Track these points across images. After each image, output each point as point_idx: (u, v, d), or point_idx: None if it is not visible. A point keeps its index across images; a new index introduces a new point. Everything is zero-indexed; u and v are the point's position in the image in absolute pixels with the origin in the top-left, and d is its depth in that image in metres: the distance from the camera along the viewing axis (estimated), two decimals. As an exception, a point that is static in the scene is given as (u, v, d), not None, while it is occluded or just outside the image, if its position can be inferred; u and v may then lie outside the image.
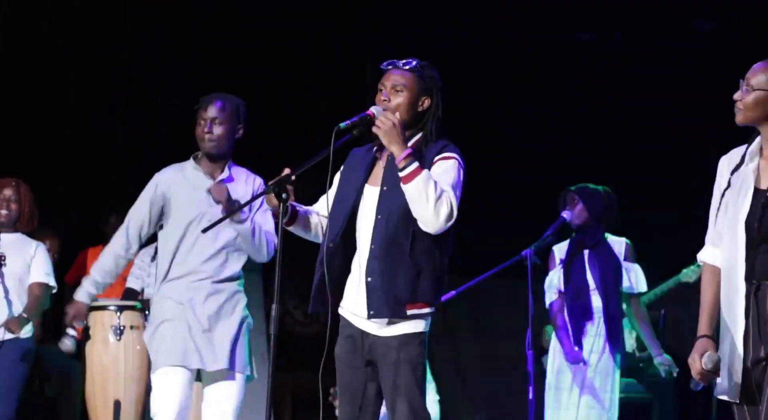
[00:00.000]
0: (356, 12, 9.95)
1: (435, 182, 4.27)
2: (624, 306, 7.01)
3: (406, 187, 4.27)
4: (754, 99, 3.77)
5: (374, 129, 4.34)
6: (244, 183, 5.55)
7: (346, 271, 4.49)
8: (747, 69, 3.84)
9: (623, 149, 9.56)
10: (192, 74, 9.36)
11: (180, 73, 9.38)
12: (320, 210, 4.61)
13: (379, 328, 4.37)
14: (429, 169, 4.34)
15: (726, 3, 8.83)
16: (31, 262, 6.56)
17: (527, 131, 9.98)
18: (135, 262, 7.34)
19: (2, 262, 6.40)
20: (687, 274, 7.46)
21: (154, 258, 6.98)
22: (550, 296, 7.01)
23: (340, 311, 4.49)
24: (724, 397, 3.80)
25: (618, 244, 7.00)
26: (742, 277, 3.76)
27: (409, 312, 4.33)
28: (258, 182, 5.59)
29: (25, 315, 6.42)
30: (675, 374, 6.92)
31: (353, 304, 4.44)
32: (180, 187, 5.51)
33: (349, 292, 4.46)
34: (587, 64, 9.54)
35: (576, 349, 6.77)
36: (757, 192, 3.76)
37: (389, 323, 4.35)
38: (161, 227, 5.56)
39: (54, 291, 6.64)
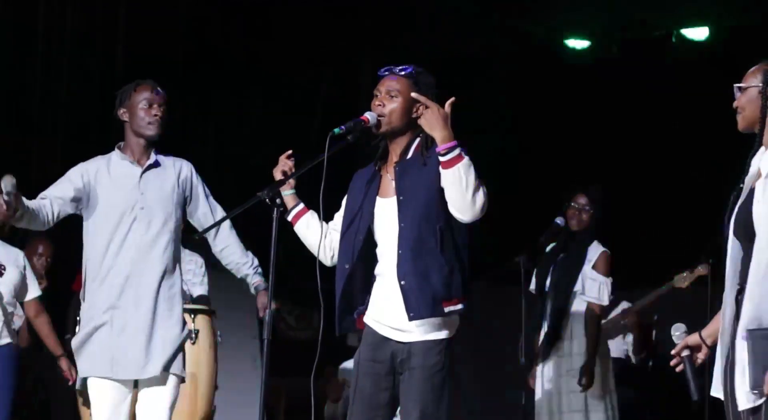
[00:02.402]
0: (352, 19, 9.95)
1: (475, 171, 4.28)
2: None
3: (446, 173, 4.26)
4: (747, 98, 3.79)
5: (418, 113, 4.37)
6: (172, 167, 5.37)
7: (364, 287, 4.49)
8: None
9: (619, 154, 9.58)
10: (185, 81, 9.37)
11: (173, 79, 9.38)
12: (335, 227, 4.61)
13: (402, 334, 4.38)
14: (438, 175, 4.33)
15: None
16: (24, 272, 6.59)
17: (522, 138, 10.00)
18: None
19: (2, 272, 6.43)
20: (680, 280, 7.46)
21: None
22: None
23: (365, 320, 4.49)
24: (717, 395, 3.81)
25: (594, 250, 6.97)
26: (731, 278, 3.77)
27: (446, 309, 4.34)
28: (186, 166, 5.41)
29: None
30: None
31: (379, 312, 4.44)
32: (106, 177, 5.27)
33: (376, 300, 4.46)
34: (582, 72, 9.56)
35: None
36: (751, 192, 3.78)
37: (416, 329, 4.34)
38: (86, 219, 5.28)
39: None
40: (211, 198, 5.47)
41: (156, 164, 5.32)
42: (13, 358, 6.55)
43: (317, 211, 4.49)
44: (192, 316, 6.65)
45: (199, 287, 7.31)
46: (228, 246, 5.49)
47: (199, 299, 7.20)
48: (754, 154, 3.82)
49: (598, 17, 9.21)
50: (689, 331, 4.02)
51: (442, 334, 4.36)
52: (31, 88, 9.04)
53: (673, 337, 3.94)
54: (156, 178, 5.29)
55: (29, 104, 9.03)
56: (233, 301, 8.10)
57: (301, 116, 10.22)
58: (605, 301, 6.87)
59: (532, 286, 7.01)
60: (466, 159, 4.27)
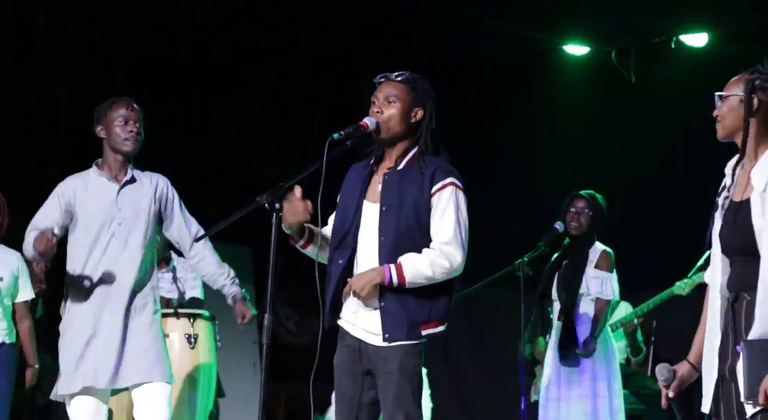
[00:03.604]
0: (351, 23, 9.97)
1: (417, 260, 4.31)
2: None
3: (408, 286, 4.32)
4: (728, 107, 3.80)
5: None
6: (149, 183, 5.50)
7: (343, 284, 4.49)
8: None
9: (620, 159, 9.58)
10: (184, 86, 9.38)
11: (172, 85, 9.39)
12: (328, 232, 4.61)
13: (376, 338, 4.39)
14: (425, 193, 4.38)
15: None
16: (18, 274, 6.59)
17: (521, 141, 10.00)
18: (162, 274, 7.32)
19: None
20: (680, 287, 7.47)
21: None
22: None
23: (339, 322, 4.50)
24: (704, 410, 3.81)
25: (594, 251, 7.02)
26: (718, 289, 3.76)
27: (424, 332, 4.37)
28: (162, 180, 5.54)
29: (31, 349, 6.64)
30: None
31: (353, 315, 4.45)
32: (84, 194, 5.41)
33: (350, 304, 4.46)
34: (580, 76, 9.56)
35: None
36: (731, 204, 3.78)
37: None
38: (69, 234, 5.43)
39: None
40: (185, 211, 5.59)
41: (132, 180, 5.47)
42: (9, 359, 6.54)
43: (316, 215, 4.50)
44: (191, 320, 6.68)
45: (193, 290, 7.35)
46: (203, 258, 5.61)
47: (192, 302, 7.25)
48: (736, 165, 3.82)
49: (596, 23, 9.21)
50: (687, 338, 4.00)
51: (408, 340, 4.37)
52: (32, 92, 9.05)
53: (660, 381, 3.87)
54: (133, 193, 5.44)
55: (30, 107, 9.03)
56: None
57: (302, 121, 10.22)
58: (609, 295, 6.93)
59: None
60: (404, 263, 4.31)
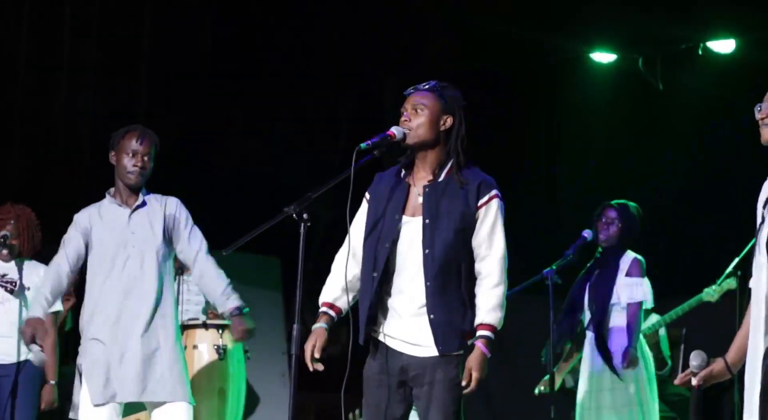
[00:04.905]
0: (376, 33, 9.97)
1: (495, 311, 4.44)
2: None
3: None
4: None
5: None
6: (159, 206, 5.66)
7: (382, 297, 4.50)
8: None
9: (644, 167, 9.55)
10: (206, 99, 9.41)
11: (193, 98, 9.42)
12: (355, 244, 4.58)
13: (418, 349, 4.41)
14: (472, 205, 4.41)
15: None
16: None
17: (548, 148, 9.99)
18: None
19: (16, 288, 6.51)
20: (709, 294, 7.42)
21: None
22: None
23: (378, 336, 4.50)
24: (749, 419, 3.76)
25: (625, 260, 6.99)
26: (763, 300, 3.72)
27: (469, 342, 4.43)
28: (172, 202, 5.70)
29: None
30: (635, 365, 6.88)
31: (395, 328, 4.46)
32: (99, 221, 5.61)
33: (393, 316, 4.47)
34: (608, 84, 9.55)
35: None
36: None
37: (434, 344, 4.40)
38: (88, 260, 5.63)
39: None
40: (194, 230, 5.73)
41: (143, 204, 5.63)
42: (33, 375, 6.58)
43: (345, 224, 4.50)
44: (220, 331, 6.69)
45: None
46: (204, 276, 5.73)
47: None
48: None
49: (623, 31, 9.20)
50: (717, 345, 3.97)
51: (459, 351, 4.41)
52: (57, 108, 9.11)
53: (691, 367, 3.85)
54: (144, 217, 5.62)
55: (54, 125, 9.09)
56: (261, 316, 8.11)
57: (326, 134, 10.23)
58: (639, 297, 6.90)
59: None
60: (490, 320, 4.43)
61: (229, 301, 5.66)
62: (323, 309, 4.60)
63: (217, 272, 5.69)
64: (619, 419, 6.79)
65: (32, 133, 9.00)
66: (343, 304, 4.59)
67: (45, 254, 6.94)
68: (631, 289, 6.89)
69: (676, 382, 3.93)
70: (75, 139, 9.15)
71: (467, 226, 4.42)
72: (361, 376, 4.53)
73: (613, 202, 7.05)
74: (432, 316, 4.37)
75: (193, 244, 5.68)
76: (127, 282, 5.50)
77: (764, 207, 3.81)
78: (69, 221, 5.68)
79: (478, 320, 4.41)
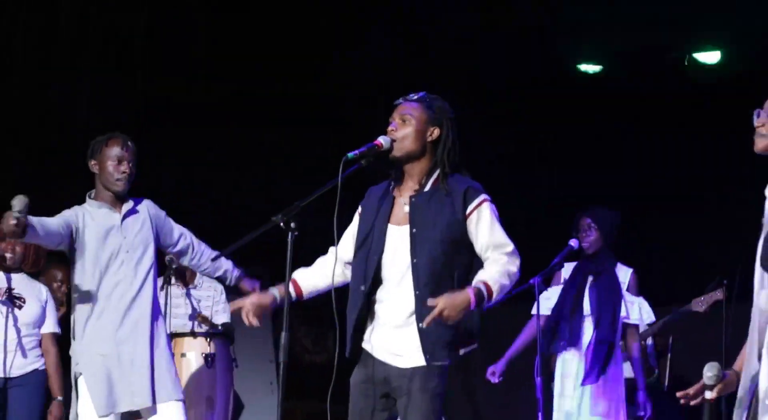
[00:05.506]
0: (368, 44, 9.97)
1: (498, 276, 4.35)
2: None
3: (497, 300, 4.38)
4: None
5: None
6: (144, 209, 5.68)
7: (370, 306, 4.50)
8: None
9: (636, 176, 9.58)
10: (201, 108, 9.40)
11: (190, 110, 9.42)
12: (342, 254, 4.59)
13: (402, 360, 4.40)
14: (459, 213, 4.40)
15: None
16: (46, 306, 6.63)
17: (536, 161, 10.00)
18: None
19: (22, 304, 6.50)
20: (697, 304, 7.46)
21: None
22: (543, 310, 6.99)
23: (365, 345, 4.50)
24: None
25: (624, 273, 7.02)
26: (757, 308, 3.67)
27: (461, 352, 4.43)
28: (149, 203, 5.72)
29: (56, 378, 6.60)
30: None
31: (380, 338, 4.45)
32: (91, 222, 5.57)
33: (379, 326, 4.47)
34: (596, 94, 9.57)
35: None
36: None
37: (419, 355, 4.38)
38: (75, 262, 5.57)
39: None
40: (171, 221, 5.81)
41: (134, 209, 5.65)
42: (36, 385, 6.57)
43: (331, 235, 4.51)
44: (208, 340, 6.71)
45: (222, 315, 7.34)
46: (199, 254, 5.84)
47: (225, 327, 7.23)
48: None
49: (610, 41, 9.23)
50: (703, 354, 3.96)
51: (445, 361, 4.39)
52: (53, 111, 9.11)
53: (705, 378, 3.67)
54: (134, 221, 5.62)
55: (50, 127, 9.09)
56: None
57: (321, 146, 10.22)
58: (647, 318, 7.02)
59: (548, 307, 7.02)
60: (491, 282, 4.34)
61: (236, 270, 5.86)
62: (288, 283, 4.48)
63: (209, 249, 5.83)
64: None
65: (31, 134, 8.98)
66: (307, 288, 4.63)
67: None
68: (634, 309, 6.95)
69: (679, 395, 3.80)
70: (73, 141, 9.14)
71: (456, 234, 4.40)
72: (347, 386, 4.54)
73: (586, 208, 7.05)
74: (421, 325, 4.34)
75: (183, 230, 5.79)
76: (123, 286, 5.50)
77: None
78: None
79: (477, 278, 4.35)
